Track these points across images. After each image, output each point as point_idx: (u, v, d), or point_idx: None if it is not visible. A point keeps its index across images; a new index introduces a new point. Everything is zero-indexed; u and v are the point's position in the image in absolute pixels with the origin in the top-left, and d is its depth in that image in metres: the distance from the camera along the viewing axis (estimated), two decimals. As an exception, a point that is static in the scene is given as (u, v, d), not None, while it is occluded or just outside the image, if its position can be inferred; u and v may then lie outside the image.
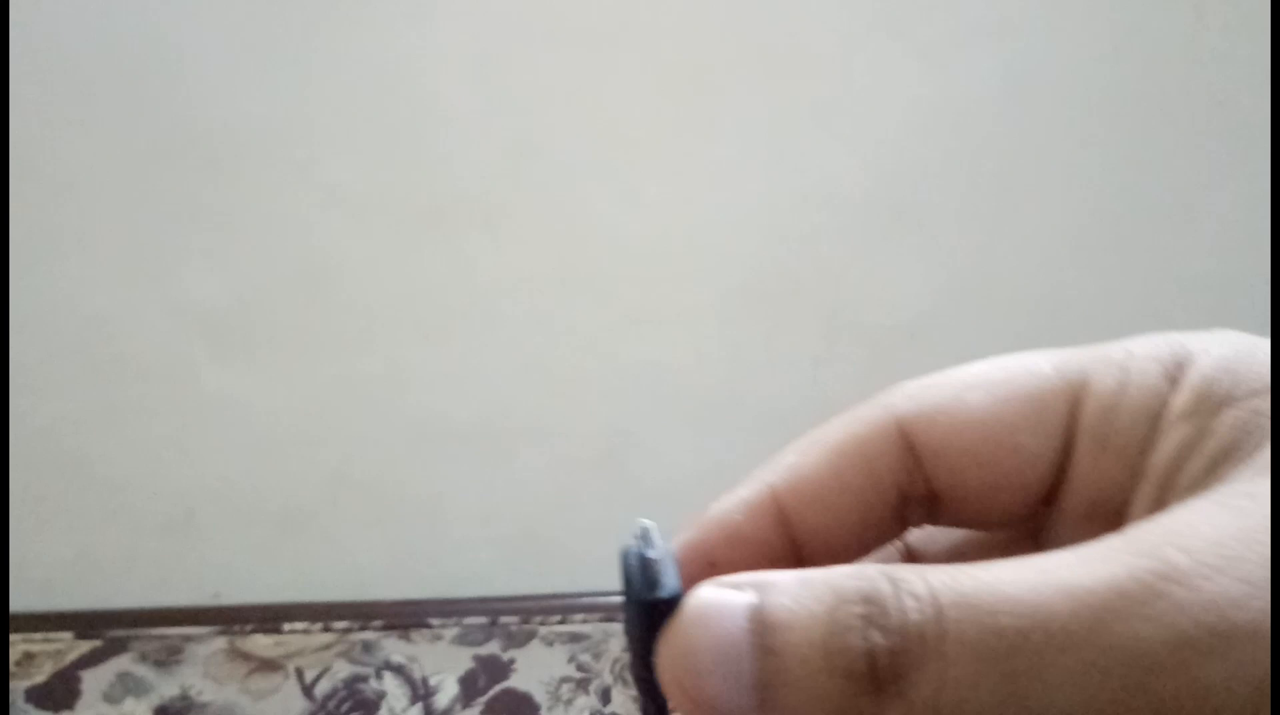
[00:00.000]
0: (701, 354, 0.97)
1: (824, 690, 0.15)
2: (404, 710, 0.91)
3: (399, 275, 0.93)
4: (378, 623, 0.95)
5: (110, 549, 0.98)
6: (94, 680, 0.91)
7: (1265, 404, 0.16)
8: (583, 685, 0.92)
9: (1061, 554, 0.15)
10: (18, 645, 0.92)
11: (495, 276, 0.94)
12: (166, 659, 0.93)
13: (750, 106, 0.90)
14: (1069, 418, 0.19)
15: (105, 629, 0.94)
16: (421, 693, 0.92)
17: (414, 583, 0.99)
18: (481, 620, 0.95)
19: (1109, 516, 0.18)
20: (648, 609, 0.18)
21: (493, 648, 0.94)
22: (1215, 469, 0.17)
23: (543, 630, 0.95)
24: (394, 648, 0.94)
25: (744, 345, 0.97)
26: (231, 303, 0.93)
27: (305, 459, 0.98)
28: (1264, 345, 0.18)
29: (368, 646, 0.94)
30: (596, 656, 0.94)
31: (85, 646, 0.93)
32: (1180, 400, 0.17)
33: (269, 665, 0.93)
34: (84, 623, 0.94)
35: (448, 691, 0.92)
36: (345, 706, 0.91)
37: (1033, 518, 0.20)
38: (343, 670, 0.93)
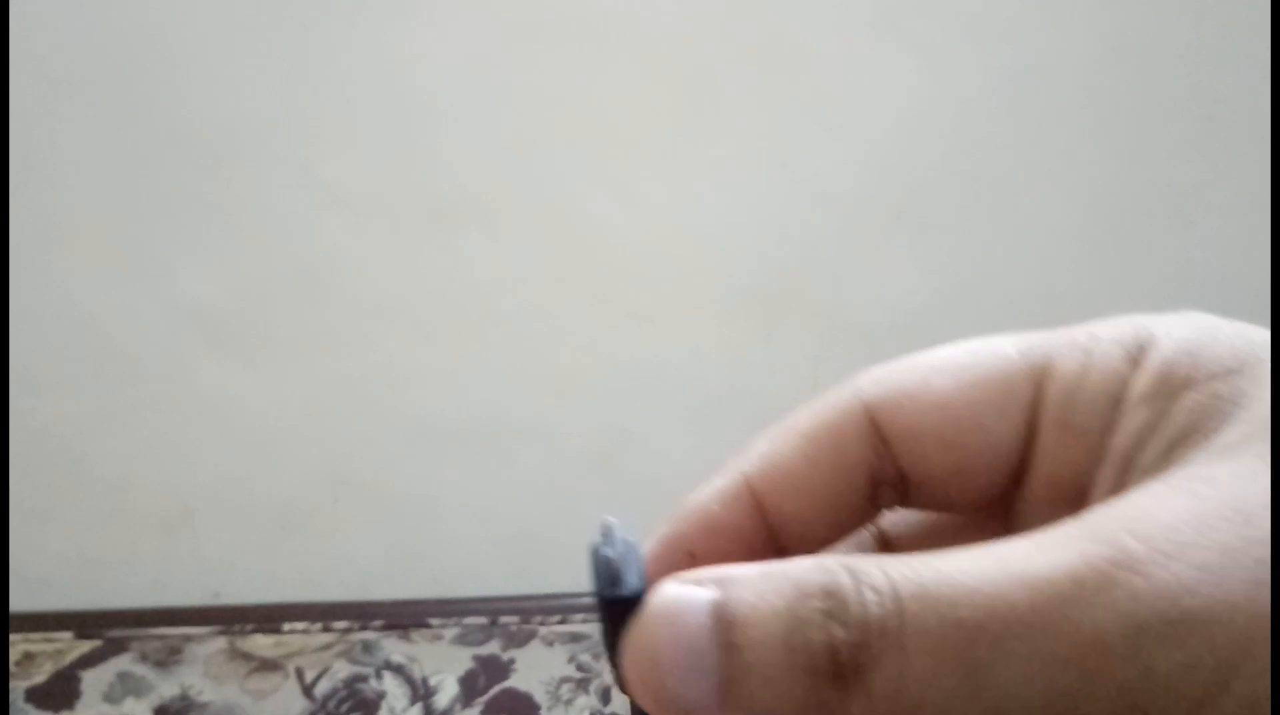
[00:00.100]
0: (700, 353, 0.97)
1: (787, 685, 0.15)
2: (404, 710, 0.91)
3: (397, 274, 0.93)
4: (378, 623, 0.95)
5: (110, 549, 0.98)
6: (94, 680, 0.91)
7: (1224, 387, 0.17)
8: (583, 685, 0.92)
9: (1020, 541, 0.15)
10: (18, 645, 0.92)
11: (494, 275, 0.94)
12: (166, 659, 0.93)
13: (749, 106, 0.90)
14: (1033, 400, 0.19)
15: (105, 629, 0.94)
16: (421, 693, 0.92)
17: (414, 583, 0.99)
18: (481, 620, 0.95)
19: (1074, 498, 0.18)
20: (609, 607, 0.18)
21: (493, 648, 0.94)
22: (1173, 452, 0.17)
23: (543, 630, 0.95)
24: (394, 648, 0.94)
25: (743, 344, 0.97)
26: (230, 302, 0.93)
27: (305, 458, 0.98)
28: (1227, 327, 0.18)
29: (368, 646, 0.94)
30: (596, 656, 0.94)
31: (85, 646, 0.93)
32: (1141, 383, 0.18)
33: (269, 665, 0.93)
34: (84, 623, 0.94)
35: (448, 691, 0.92)
36: (345, 706, 0.91)
37: (1002, 499, 0.20)
38: (343, 670, 0.93)
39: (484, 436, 0.98)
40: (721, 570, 0.16)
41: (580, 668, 0.93)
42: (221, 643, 0.93)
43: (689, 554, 0.20)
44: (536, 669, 0.93)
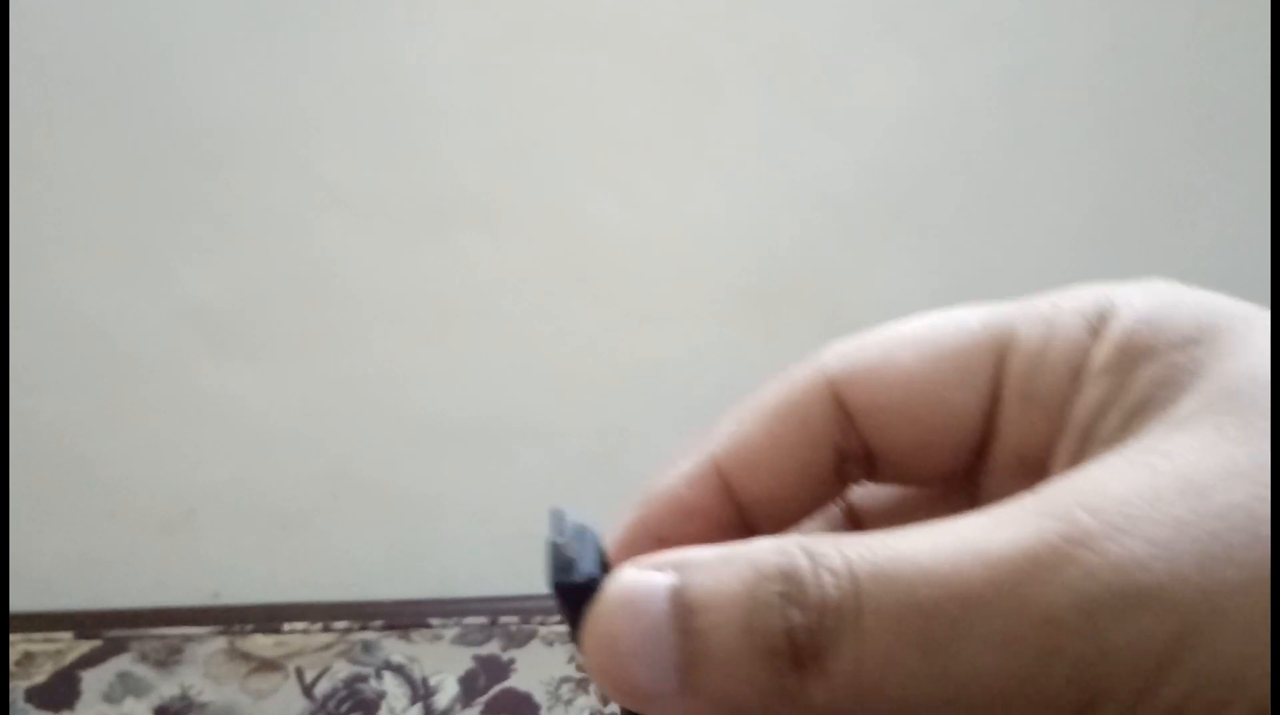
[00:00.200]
0: (700, 353, 0.97)
1: (746, 670, 0.15)
2: (404, 710, 0.91)
3: (398, 274, 0.93)
4: (378, 623, 0.95)
5: (110, 549, 0.98)
6: (94, 680, 0.91)
7: (1183, 357, 0.16)
8: (583, 685, 0.92)
9: (977, 517, 0.15)
10: (18, 645, 0.92)
11: (494, 275, 0.94)
12: (166, 659, 0.93)
13: (749, 106, 0.90)
14: (995, 372, 0.19)
15: (105, 629, 0.94)
16: (421, 693, 0.92)
17: (414, 582, 0.99)
18: (481, 620, 0.95)
19: (1037, 469, 0.18)
20: (565, 595, 0.18)
21: (493, 648, 0.94)
22: (1131, 423, 0.16)
23: (543, 630, 0.95)
24: (394, 648, 0.94)
25: (743, 345, 0.97)
26: (230, 302, 0.93)
27: (305, 458, 0.98)
28: (1189, 296, 0.18)
29: (368, 646, 0.94)
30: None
31: (85, 646, 0.93)
32: (1101, 353, 0.17)
33: (269, 665, 0.93)
34: (84, 623, 0.94)
35: (448, 691, 0.92)
36: (345, 706, 0.91)
37: (968, 471, 0.20)
38: (343, 670, 0.93)
39: (484, 436, 0.98)
40: (680, 554, 0.16)
41: (580, 668, 0.93)
42: (221, 643, 0.93)
43: (657, 538, 0.20)
44: (536, 669, 0.93)
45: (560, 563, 0.18)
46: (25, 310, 0.91)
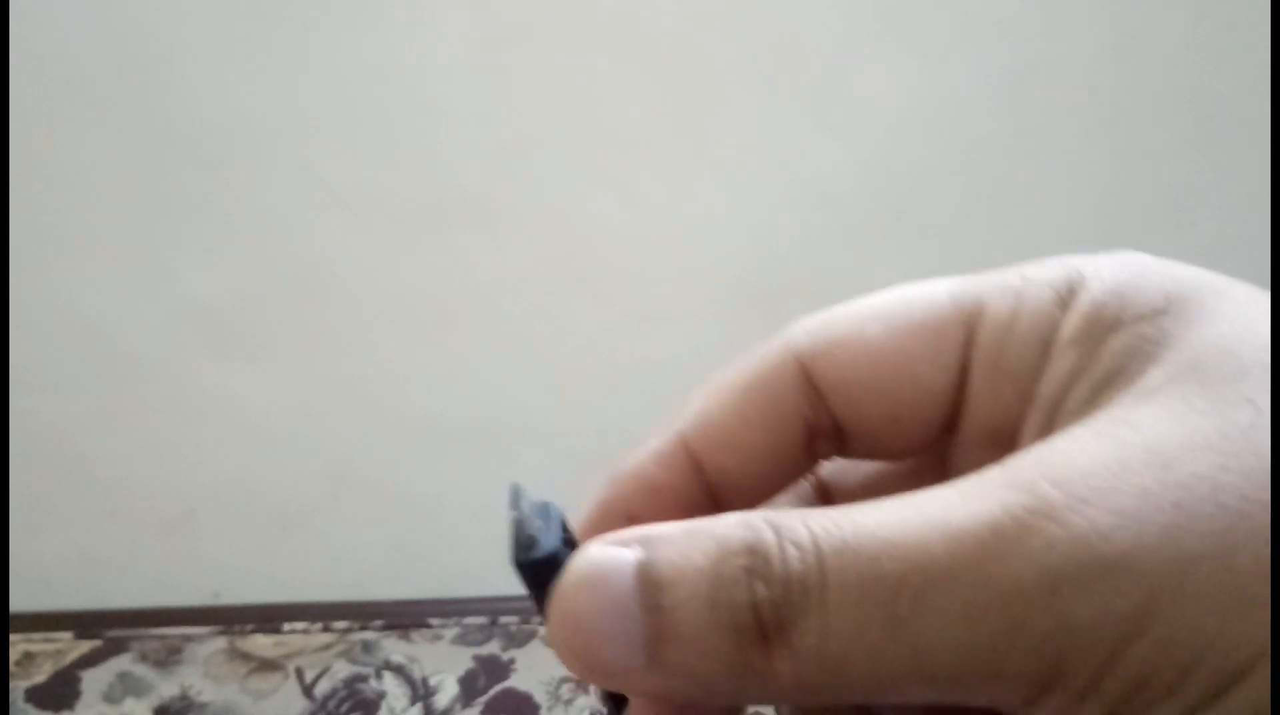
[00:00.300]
0: (700, 353, 0.97)
1: (712, 645, 0.15)
2: (404, 710, 0.91)
3: (398, 274, 0.93)
4: (378, 623, 0.95)
5: (110, 549, 0.98)
6: (94, 680, 0.91)
7: (1151, 328, 0.16)
8: (583, 685, 0.92)
9: (942, 490, 0.15)
10: (18, 645, 0.92)
11: (494, 275, 0.94)
12: (166, 659, 0.93)
13: (748, 105, 0.90)
14: (965, 345, 0.19)
15: (105, 629, 0.94)
16: (421, 693, 0.92)
17: (414, 582, 0.99)
18: (481, 620, 0.95)
19: (1006, 442, 0.18)
20: (527, 572, 0.18)
21: (493, 648, 0.94)
22: (1099, 395, 0.16)
23: (543, 630, 0.95)
24: (394, 648, 0.94)
25: (743, 344, 0.97)
26: (230, 302, 0.93)
27: (305, 458, 0.98)
28: (1158, 267, 0.17)
29: (368, 646, 0.94)
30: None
31: (85, 646, 0.93)
32: (1070, 325, 0.17)
33: (269, 665, 0.93)
34: (84, 623, 0.94)
35: (448, 691, 0.92)
36: (345, 706, 0.91)
37: (938, 446, 0.20)
38: (343, 670, 0.93)
39: (484, 436, 0.98)
40: (645, 530, 0.16)
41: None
42: (221, 643, 0.94)
43: (627, 517, 0.19)
44: (536, 669, 0.93)
45: (522, 540, 0.18)
46: (25, 310, 0.91)
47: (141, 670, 0.92)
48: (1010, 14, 0.89)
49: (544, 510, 0.19)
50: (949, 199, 0.94)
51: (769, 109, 0.91)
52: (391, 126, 0.89)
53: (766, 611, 0.15)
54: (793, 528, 0.15)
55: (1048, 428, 0.17)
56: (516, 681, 0.93)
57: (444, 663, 0.93)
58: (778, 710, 0.20)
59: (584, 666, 0.16)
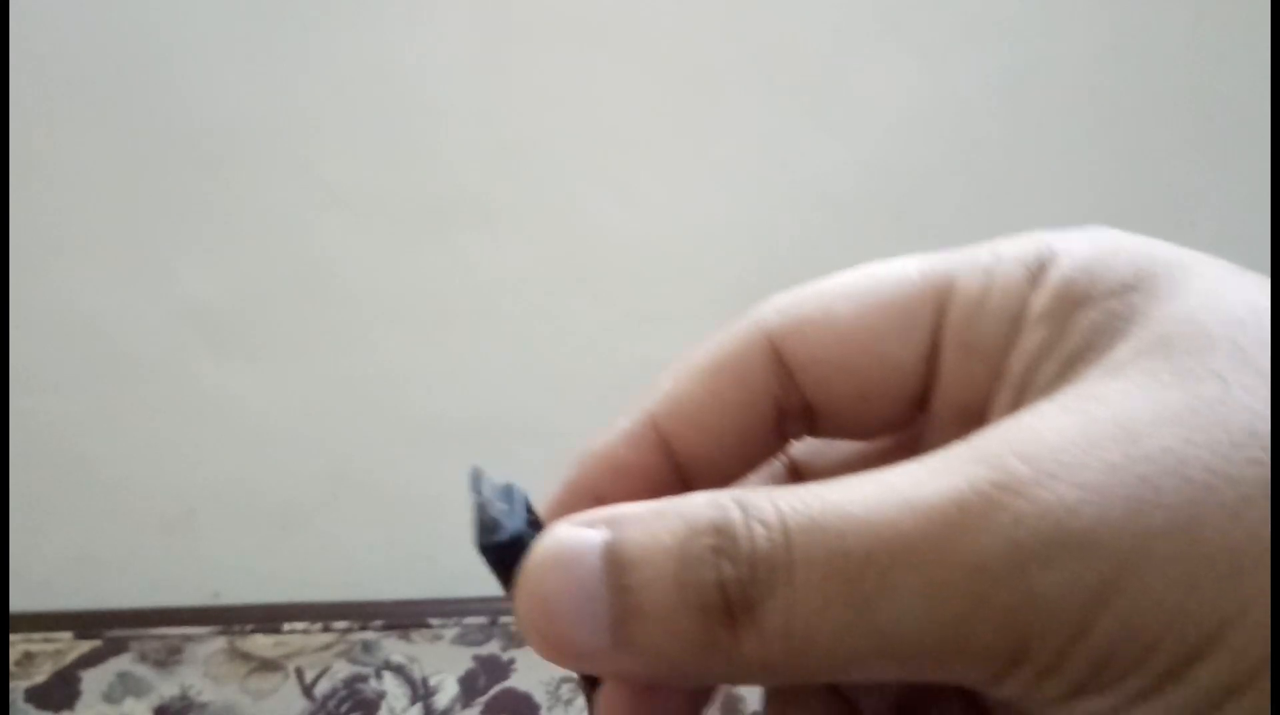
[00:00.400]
0: (701, 353, 0.97)
1: (679, 625, 0.15)
2: (404, 710, 0.91)
3: (398, 274, 0.93)
4: (378, 623, 0.95)
5: (110, 549, 0.98)
6: (94, 680, 0.91)
7: (1120, 304, 0.16)
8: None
9: (909, 466, 0.15)
10: (18, 645, 0.92)
11: (494, 275, 0.94)
12: (166, 659, 0.93)
13: (749, 105, 0.90)
14: (935, 322, 0.18)
15: (105, 629, 0.94)
16: (421, 693, 0.92)
17: (414, 582, 0.99)
18: (481, 620, 0.95)
19: (977, 420, 0.18)
20: (492, 555, 0.17)
21: (493, 648, 0.94)
22: (1068, 371, 0.16)
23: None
24: (394, 648, 0.94)
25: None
26: (230, 302, 0.93)
27: (305, 458, 0.98)
28: (1129, 242, 0.17)
29: (368, 646, 0.94)
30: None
31: (85, 646, 0.93)
32: (1040, 301, 0.17)
33: (269, 665, 0.93)
34: (84, 623, 0.94)
35: (448, 691, 0.92)
36: (345, 706, 0.91)
37: (910, 424, 0.19)
38: (343, 670, 0.93)
39: (484, 436, 0.98)
40: (612, 510, 0.16)
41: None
42: (221, 643, 0.93)
43: (596, 498, 0.19)
44: (536, 669, 0.93)
45: (486, 523, 0.18)
46: (25, 310, 0.91)
47: (141, 670, 0.92)
48: (1010, 14, 0.89)
49: (507, 493, 0.19)
50: (949, 199, 0.94)
51: (769, 109, 0.91)
52: (391, 126, 0.89)
53: (733, 591, 0.15)
54: (760, 506, 0.15)
55: (1017, 404, 0.17)
56: (516, 681, 0.93)
57: (444, 663, 0.93)
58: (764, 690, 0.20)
59: (551, 648, 0.16)
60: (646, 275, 0.95)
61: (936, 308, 0.18)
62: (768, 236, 0.94)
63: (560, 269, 0.94)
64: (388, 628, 0.95)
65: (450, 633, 0.95)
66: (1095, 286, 0.17)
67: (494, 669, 0.93)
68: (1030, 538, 0.13)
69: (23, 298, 0.90)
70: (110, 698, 0.90)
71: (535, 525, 0.18)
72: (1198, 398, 0.14)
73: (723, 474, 0.20)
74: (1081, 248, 0.17)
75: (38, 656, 0.92)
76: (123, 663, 0.92)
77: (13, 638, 0.92)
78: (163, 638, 0.94)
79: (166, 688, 0.91)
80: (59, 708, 0.89)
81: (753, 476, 0.21)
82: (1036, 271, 0.18)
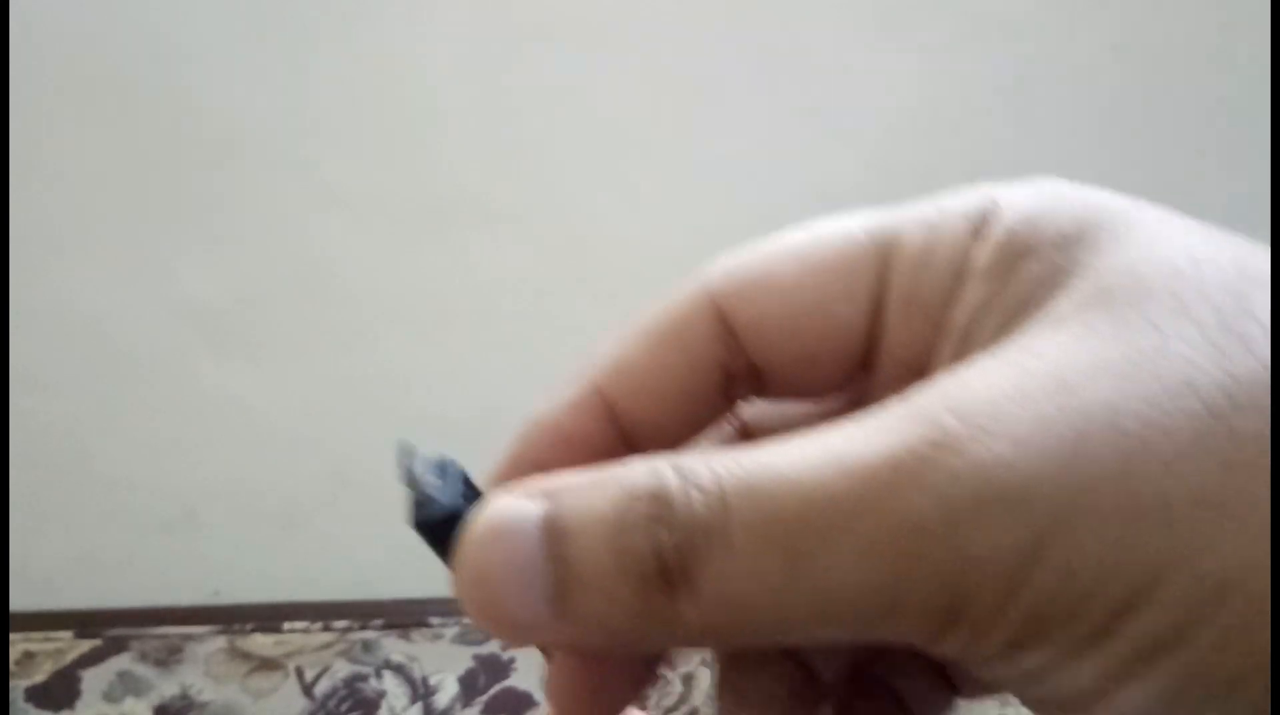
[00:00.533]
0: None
1: (618, 593, 0.15)
2: (404, 710, 0.91)
3: (399, 274, 0.93)
4: (378, 622, 0.95)
5: (110, 548, 0.98)
6: (94, 680, 0.91)
7: (1063, 257, 0.16)
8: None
9: (846, 426, 0.15)
10: (18, 645, 0.92)
11: (495, 275, 0.94)
12: (166, 658, 0.93)
13: (749, 106, 0.90)
14: (879, 280, 0.18)
15: (105, 628, 0.94)
16: (421, 692, 0.92)
17: (414, 581, 0.99)
18: (481, 619, 0.95)
19: (920, 377, 0.17)
20: (426, 532, 0.17)
21: (493, 647, 0.94)
22: (1008, 325, 0.16)
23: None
24: (394, 647, 0.94)
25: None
26: (232, 302, 0.93)
27: (305, 457, 0.98)
28: (1073, 193, 0.17)
29: (368, 646, 0.94)
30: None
31: (85, 646, 0.93)
32: (983, 255, 0.17)
33: (269, 664, 0.93)
34: (84, 622, 0.94)
35: (448, 691, 0.92)
36: (345, 706, 0.91)
37: (858, 383, 0.19)
38: (343, 669, 0.93)
39: (484, 436, 0.98)
40: (551, 480, 0.16)
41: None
42: (221, 642, 0.94)
43: (539, 469, 0.19)
44: (536, 668, 0.93)
45: (419, 499, 0.17)
46: (26, 310, 0.91)
47: (141, 670, 0.92)
48: (1010, 14, 0.89)
49: (440, 467, 0.18)
50: (949, 199, 0.94)
51: (770, 109, 0.91)
52: (392, 127, 0.89)
53: (670, 557, 0.14)
54: (696, 471, 0.15)
55: (959, 359, 0.16)
56: (516, 681, 0.93)
57: (444, 662, 0.93)
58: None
59: (491, 621, 0.16)
60: (646, 275, 0.95)
61: (880, 264, 0.18)
62: (768, 237, 0.94)
63: (560, 269, 0.94)
64: (388, 627, 0.95)
65: (450, 632, 0.95)
66: (1037, 238, 0.16)
67: (494, 668, 0.93)
68: (964, 494, 0.13)
69: (23, 297, 0.90)
70: (110, 697, 0.90)
71: (474, 498, 0.18)
72: (1134, 350, 0.14)
73: (669, 439, 0.19)
74: (1024, 199, 0.17)
75: (38, 656, 0.92)
76: (123, 662, 0.92)
77: (13, 637, 0.92)
78: (163, 637, 0.94)
79: (167, 687, 0.91)
80: (59, 707, 0.89)
81: (704, 441, 0.20)
82: (979, 225, 0.17)
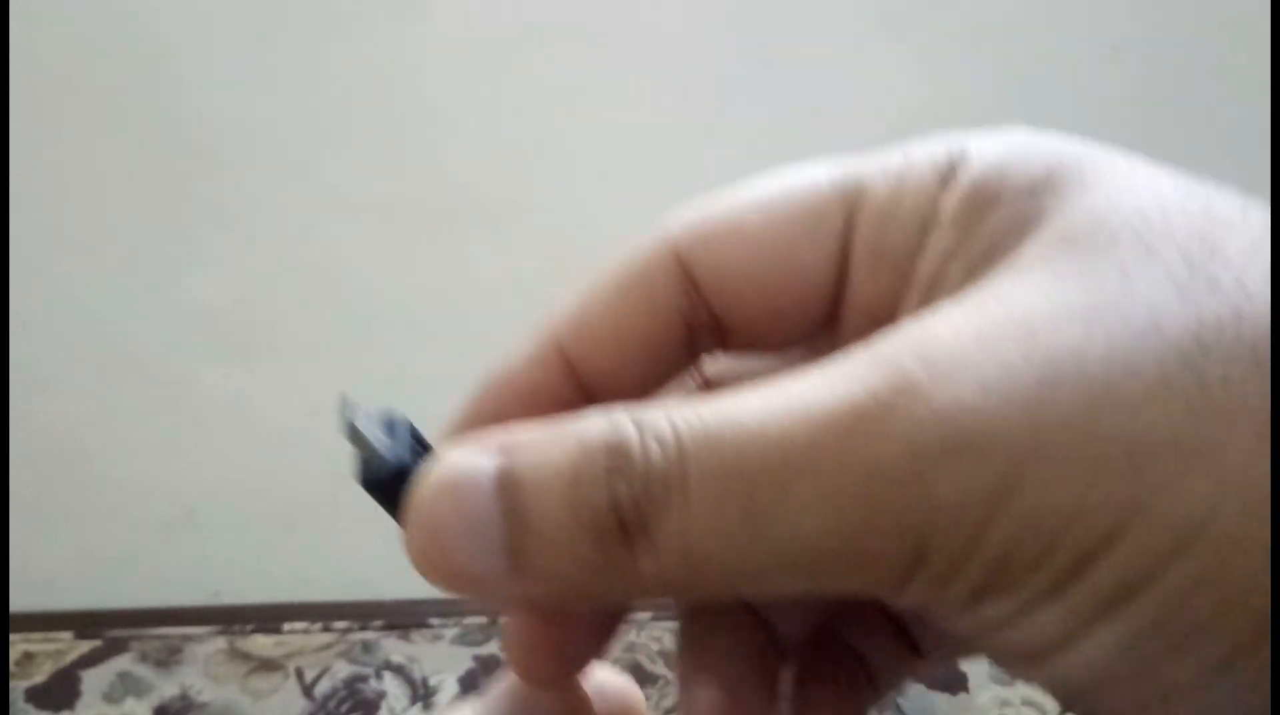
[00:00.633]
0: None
1: (575, 547, 0.14)
2: (404, 710, 0.91)
3: (401, 275, 0.93)
4: (378, 623, 0.95)
5: (110, 549, 0.98)
6: (94, 680, 0.91)
7: (1029, 204, 0.16)
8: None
9: (809, 374, 0.14)
10: (18, 645, 0.92)
11: (497, 276, 0.94)
12: (166, 659, 0.93)
13: (750, 106, 0.90)
14: (845, 230, 0.18)
15: (105, 629, 0.94)
16: (421, 693, 0.92)
17: (414, 582, 0.98)
18: (481, 620, 0.95)
19: (886, 327, 0.17)
20: (373, 488, 0.17)
21: (492, 648, 0.94)
22: (974, 272, 0.16)
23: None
24: (394, 648, 0.94)
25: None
26: (233, 303, 0.93)
27: (306, 458, 0.98)
28: (1041, 142, 0.17)
29: (368, 646, 0.94)
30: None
31: (85, 646, 0.93)
32: (950, 203, 0.17)
33: (269, 665, 0.93)
34: (84, 622, 0.94)
35: (448, 691, 0.92)
36: (345, 706, 0.91)
37: (822, 338, 0.19)
38: (343, 670, 0.93)
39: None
40: (506, 434, 0.16)
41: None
42: (221, 643, 0.93)
43: (497, 423, 0.18)
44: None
45: (365, 455, 0.17)
46: (28, 310, 0.91)
47: (141, 670, 0.92)
48: (1010, 14, 0.89)
49: (388, 422, 0.18)
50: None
51: (771, 109, 0.91)
52: (395, 130, 0.89)
53: (627, 509, 0.14)
54: (655, 422, 0.14)
55: (924, 308, 0.16)
56: (516, 682, 0.93)
57: (444, 663, 0.93)
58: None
59: (444, 577, 0.15)
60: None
61: (846, 214, 0.18)
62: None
63: (563, 269, 0.94)
64: (388, 628, 0.95)
65: (450, 633, 0.95)
66: (1005, 187, 0.16)
67: (494, 669, 0.93)
68: (927, 440, 0.13)
69: (25, 298, 0.90)
70: (110, 697, 0.90)
71: (424, 454, 0.17)
72: (1099, 293, 0.14)
73: (631, 393, 0.19)
74: (993, 148, 0.17)
75: (38, 656, 0.92)
76: (123, 662, 0.92)
77: (13, 638, 0.92)
78: (163, 637, 0.94)
79: (167, 687, 0.91)
80: (59, 708, 0.89)
81: (665, 395, 0.20)
82: (947, 173, 0.17)
